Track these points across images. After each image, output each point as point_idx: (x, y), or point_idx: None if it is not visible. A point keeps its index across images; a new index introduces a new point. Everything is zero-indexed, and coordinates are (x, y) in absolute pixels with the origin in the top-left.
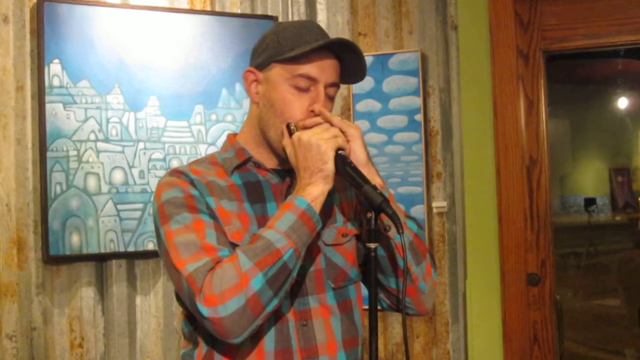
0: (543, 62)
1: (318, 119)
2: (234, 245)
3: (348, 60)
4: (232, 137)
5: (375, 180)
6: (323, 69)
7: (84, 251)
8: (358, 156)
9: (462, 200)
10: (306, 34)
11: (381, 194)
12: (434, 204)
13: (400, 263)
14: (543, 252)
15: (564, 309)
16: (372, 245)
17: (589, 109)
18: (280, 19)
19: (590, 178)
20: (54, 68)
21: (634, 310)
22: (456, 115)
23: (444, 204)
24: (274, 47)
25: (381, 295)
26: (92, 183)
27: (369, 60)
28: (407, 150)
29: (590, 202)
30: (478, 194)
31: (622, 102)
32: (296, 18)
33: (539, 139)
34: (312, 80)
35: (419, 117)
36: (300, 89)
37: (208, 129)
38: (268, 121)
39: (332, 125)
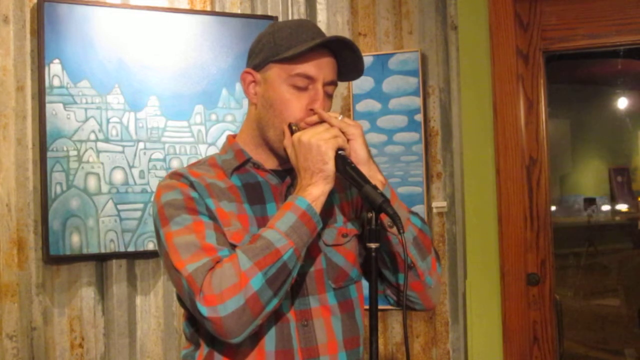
0: (543, 62)
1: (317, 117)
2: (233, 246)
3: (345, 58)
4: (231, 138)
5: (377, 177)
6: (321, 68)
7: (84, 251)
8: (359, 154)
9: (462, 200)
10: (302, 33)
11: (382, 194)
12: (433, 204)
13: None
14: (543, 252)
15: (563, 309)
16: (373, 246)
17: (589, 109)
18: (280, 19)
19: (590, 178)
20: (54, 68)
21: (634, 310)
22: (456, 115)
23: (444, 204)
24: (271, 48)
25: (388, 292)
26: (92, 183)
27: (368, 60)
28: (407, 150)
29: (589, 202)
30: (478, 194)
31: (622, 102)
32: (296, 18)
33: (539, 139)
34: (310, 79)
35: (419, 117)
36: (299, 88)
37: (208, 129)
38: (267, 121)
39: (330, 126)
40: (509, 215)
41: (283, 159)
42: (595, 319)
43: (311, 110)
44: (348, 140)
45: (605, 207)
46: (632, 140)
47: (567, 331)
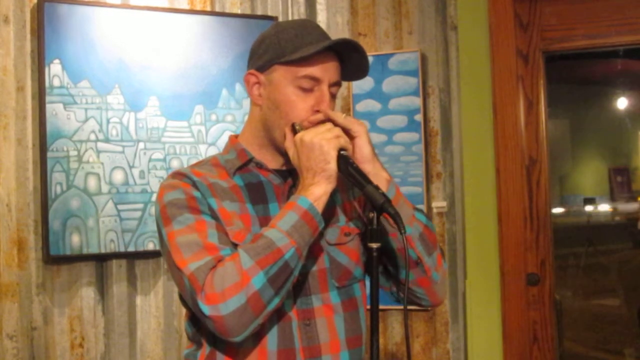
0: (543, 62)
1: (321, 116)
2: (235, 246)
3: (350, 59)
4: (233, 138)
5: (382, 175)
6: (326, 69)
7: (84, 251)
8: (363, 152)
9: (462, 200)
10: (307, 34)
11: (383, 194)
12: (433, 204)
13: (412, 254)
14: (543, 252)
15: (563, 309)
16: (374, 245)
17: (589, 109)
18: (280, 20)
19: (589, 178)
20: (55, 68)
21: (633, 310)
22: (456, 115)
23: (444, 204)
24: (275, 49)
25: (394, 289)
26: (92, 183)
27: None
28: (407, 151)
29: (589, 202)
30: (478, 194)
31: (622, 102)
32: (296, 18)
33: (539, 139)
34: (316, 80)
35: (419, 117)
36: (304, 90)
37: (208, 129)
38: (273, 123)
39: (336, 124)
40: (509, 215)
41: (288, 159)
42: (595, 318)
43: (317, 111)
44: (353, 137)
45: (605, 207)
46: (632, 140)
47: (567, 331)
